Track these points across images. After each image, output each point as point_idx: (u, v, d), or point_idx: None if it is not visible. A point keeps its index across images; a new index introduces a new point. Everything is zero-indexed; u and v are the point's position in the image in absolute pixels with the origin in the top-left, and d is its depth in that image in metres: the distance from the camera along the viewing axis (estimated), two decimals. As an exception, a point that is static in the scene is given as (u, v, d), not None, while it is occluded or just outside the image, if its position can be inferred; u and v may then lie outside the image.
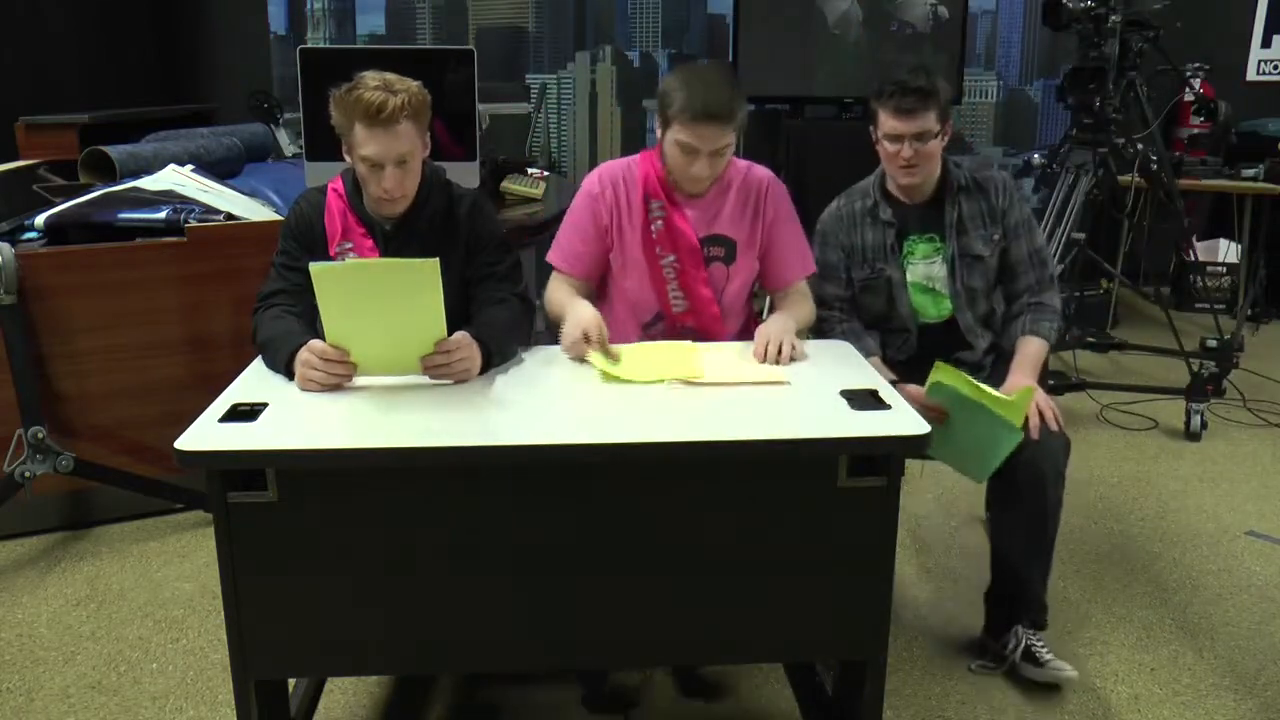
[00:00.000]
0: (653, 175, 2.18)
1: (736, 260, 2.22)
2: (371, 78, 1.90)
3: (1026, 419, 2.03)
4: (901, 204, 2.30)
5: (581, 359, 1.96)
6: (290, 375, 1.80)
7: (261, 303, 1.99)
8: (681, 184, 2.15)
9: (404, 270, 1.74)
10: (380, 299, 1.73)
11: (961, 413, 2.03)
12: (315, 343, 1.78)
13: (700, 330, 2.19)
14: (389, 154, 1.90)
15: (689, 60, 5.47)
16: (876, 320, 2.36)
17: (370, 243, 2.00)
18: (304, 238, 2.02)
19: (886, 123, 2.18)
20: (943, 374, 2.00)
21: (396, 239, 2.00)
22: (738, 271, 2.23)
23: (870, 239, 2.30)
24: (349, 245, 2.00)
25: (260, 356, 1.91)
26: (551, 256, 2.26)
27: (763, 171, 2.25)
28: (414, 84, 1.93)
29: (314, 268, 1.71)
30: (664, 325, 2.22)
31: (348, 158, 1.97)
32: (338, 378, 1.76)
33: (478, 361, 1.84)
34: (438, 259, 1.71)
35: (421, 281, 1.71)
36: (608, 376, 1.87)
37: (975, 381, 1.99)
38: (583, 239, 2.22)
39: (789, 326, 2.07)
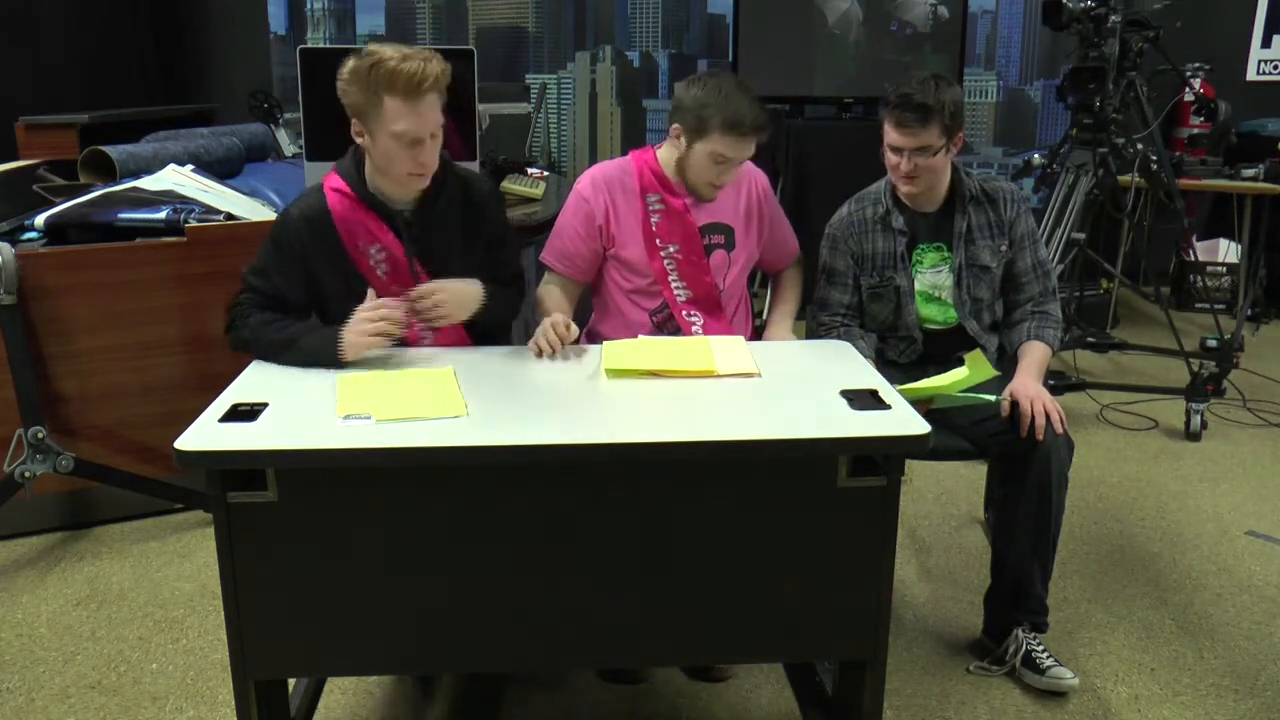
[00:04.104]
0: (648, 171, 2.22)
1: (736, 246, 2.27)
2: (390, 49, 1.84)
3: (1025, 410, 2.06)
4: (913, 212, 2.30)
5: (551, 352, 2.00)
6: (340, 354, 1.85)
7: (238, 311, 1.98)
8: (700, 190, 2.21)
9: (423, 375, 1.81)
10: (399, 389, 1.77)
11: (938, 396, 2.07)
12: (359, 309, 1.87)
13: (705, 316, 2.24)
14: (427, 127, 1.87)
15: (689, 61, 5.47)
16: (882, 327, 2.36)
17: (393, 237, 1.98)
18: (305, 250, 1.97)
19: (889, 134, 2.18)
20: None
21: (418, 225, 1.99)
22: (738, 257, 2.29)
23: (881, 246, 2.30)
24: (377, 247, 1.97)
25: (268, 358, 1.91)
26: (545, 256, 2.31)
27: (746, 163, 2.27)
28: (433, 51, 1.89)
29: (341, 378, 1.79)
30: (670, 313, 2.25)
31: (361, 139, 1.90)
32: (397, 322, 1.87)
33: (469, 295, 1.98)
34: (453, 369, 1.81)
35: (440, 381, 1.77)
36: (612, 372, 1.87)
37: (917, 385, 2.02)
38: (574, 240, 2.26)
39: (789, 334, 2.32)
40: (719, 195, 2.23)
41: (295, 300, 2.00)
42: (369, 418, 1.62)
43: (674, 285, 2.23)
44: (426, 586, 1.64)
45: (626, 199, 2.23)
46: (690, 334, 2.22)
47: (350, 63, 1.87)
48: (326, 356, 1.87)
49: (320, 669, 1.91)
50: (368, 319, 1.88)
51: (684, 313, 2.24)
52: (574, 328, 2.05)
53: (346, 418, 1.62)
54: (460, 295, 2.00)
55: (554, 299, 2.24)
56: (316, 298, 2.04)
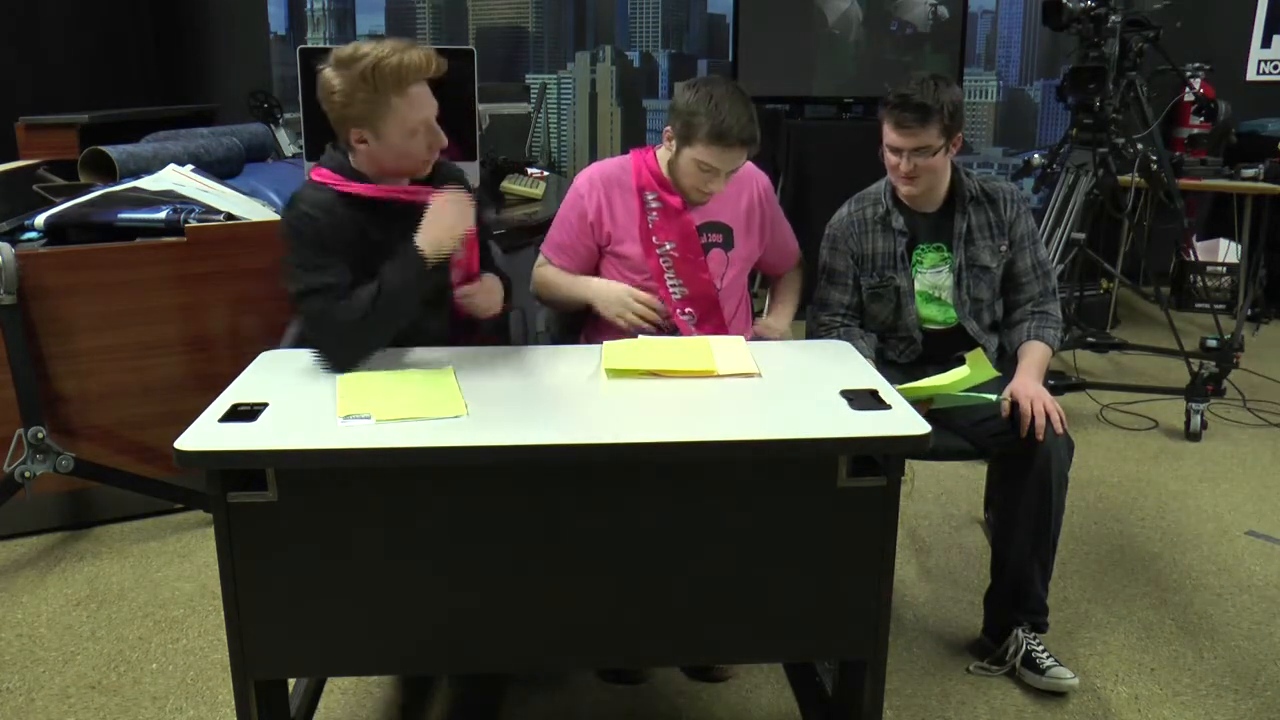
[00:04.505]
0: (645, 170, 2.24)
1: (735, 246, 2.28)
2: (371, 47, 1.83)
3: (1024, 409, 2.07)
4: (913, 212, 2.30)
5: (641, 323, 2.16)
6: (424, 261, 1.85)
7: (333, 316, 1.85)
8: (689, 195, 2.21)
9: (423, 375, 1.81)
10: (399, 389, 1.76)
11: (938, 396, 2.08)
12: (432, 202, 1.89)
13: (700, 315, 2.25)
14: (434, 108, 1.91)
15: (689, 61, 5.48)
16: (882, 327, 2.36)
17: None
18: (325, 238, 1.89)
19: (887, 134, 2.19)
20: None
21: (420, 210, 1.96)
22: (737, 257, 2.29)
23: (880, 247, 2.30)
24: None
25: (383, 329, 1.88)
26: (544, 247, 2.36)
27: (747, 165, 2.27)
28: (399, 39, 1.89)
29: (342, 378, 1.78)
30: (666, 311, 2.25)
31: (364, 145, 1.88)
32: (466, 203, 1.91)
33: (500, 294, 2.07)
34: (453, 369, 1.81)
35: (440, 381, 1.78)
36: (612, 372, 1.87)
37: (917, 384, 2.03)
38: (569, 234, 2.30)
39: (787, 325, 2.30)
40: (719, 195, 2.22)
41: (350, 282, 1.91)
42: (369, 418, 1.62)
43: (670, 283, 2.24)
44: (426, 586, 1.64)
45: (623, 196, 2.24)
46: (685, 332, 2.22)
47: (338, 75, 1.83)
48: (417, 273, 1.85)
49: (320, 669, 1.91)
50: (441, 210, 1.87)
51: (679, 310, 2.24)
52: (642, 294, 2.19)
53: (346, 418, 1.62)
54: (497, 284, 2.12)
55: (570, 276, 2.29)
56: None
